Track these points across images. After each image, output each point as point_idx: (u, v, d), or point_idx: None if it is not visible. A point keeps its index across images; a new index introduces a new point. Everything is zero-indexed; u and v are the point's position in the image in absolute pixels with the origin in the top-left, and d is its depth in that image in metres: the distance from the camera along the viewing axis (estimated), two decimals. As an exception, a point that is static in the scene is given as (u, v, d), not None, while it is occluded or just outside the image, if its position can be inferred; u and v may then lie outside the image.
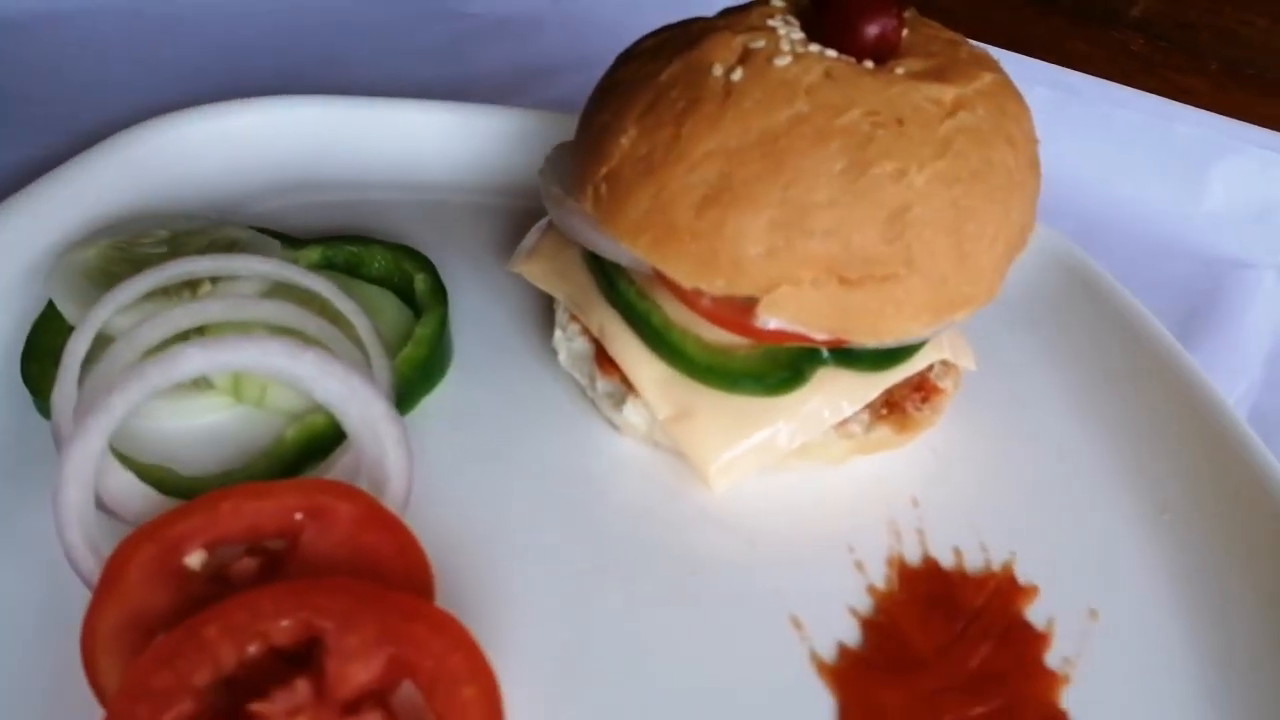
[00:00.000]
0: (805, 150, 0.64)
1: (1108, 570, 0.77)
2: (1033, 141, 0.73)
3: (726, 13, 0.74)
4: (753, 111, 0.65)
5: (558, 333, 0.85)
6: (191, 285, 0.80)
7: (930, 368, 0.82)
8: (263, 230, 0.89)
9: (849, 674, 0.67)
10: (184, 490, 0.69)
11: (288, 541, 0.64)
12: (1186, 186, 1.25)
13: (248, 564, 0.63)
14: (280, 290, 0.82)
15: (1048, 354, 0.97)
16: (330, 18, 1.47)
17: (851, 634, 0.70)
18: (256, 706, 0.54)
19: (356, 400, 0.71)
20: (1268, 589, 0.74)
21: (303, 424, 0.75)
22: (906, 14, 0.73)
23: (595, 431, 0.83)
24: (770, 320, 0.68)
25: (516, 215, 1.04)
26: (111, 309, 0.75)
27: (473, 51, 1.46)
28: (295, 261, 0.85)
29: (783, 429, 0.75)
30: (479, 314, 0.92)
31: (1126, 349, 0.94)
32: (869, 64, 0.69)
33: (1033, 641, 0.71)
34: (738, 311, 0.69)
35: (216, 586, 0.61)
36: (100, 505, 0.67)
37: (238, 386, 0.78)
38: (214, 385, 0.78)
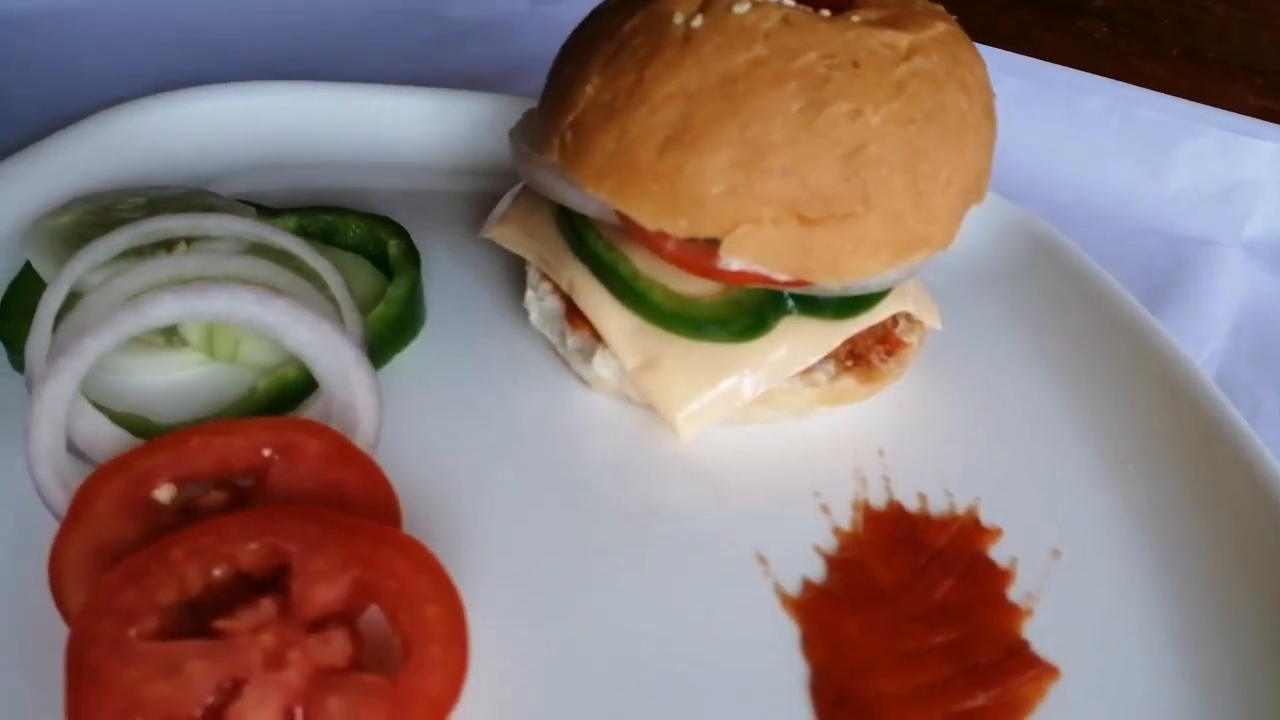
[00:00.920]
0: (763, 91, 0.66)
1: (1072, 514, 0.78)
2: (987, 91, 0.75)
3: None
4: (712, 56, 0.67)
5: (529, 293, 0.86)
6: (167, 246, 0.81)
7: (895, 321, 0.83)
8: (239, 201, 0.91)
9: (813, 605, 0.68)
10: (155, 435, 0.69)
11: (256, 478, 0.65)
12: (1151, 168, 1.28)
13: (216, 497, 0.63)
14: (256, 251, 0.83)
15: (1014, 316, 0.99)
16: (312, 17, 1.49)
17: (816, 570, 0.71)
18: (221, 623, 0.55)
19: (327, 347, 0.72)
20: (1231, 532, 0.75)
21: (274, 375, 0.76)
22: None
23: (566, 388, 0.84)
24: (733, 261, 0.70)
25: (489, 197, 1.05)
26: (87, 264, 0.76)
27: (453, 52, 1.48)
28: (271, 227, 0.87)
29: (749, 377, 0.76)
30: (452, 281, 0.94)
31: (1090, 310, 0.96)
32: (826, 13, 0.71)
33: (996, 577, 0.72)
34: (701, 255, 0.71)
35: (185, 519, 0.62)
36: (72, 448, 0.67)
37: (211, 341, 0.79)
38: (188, 341, 0.79)
